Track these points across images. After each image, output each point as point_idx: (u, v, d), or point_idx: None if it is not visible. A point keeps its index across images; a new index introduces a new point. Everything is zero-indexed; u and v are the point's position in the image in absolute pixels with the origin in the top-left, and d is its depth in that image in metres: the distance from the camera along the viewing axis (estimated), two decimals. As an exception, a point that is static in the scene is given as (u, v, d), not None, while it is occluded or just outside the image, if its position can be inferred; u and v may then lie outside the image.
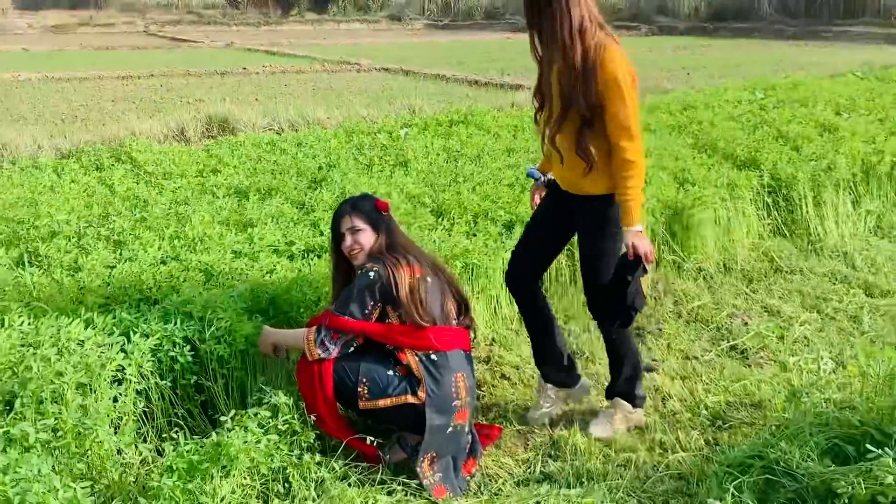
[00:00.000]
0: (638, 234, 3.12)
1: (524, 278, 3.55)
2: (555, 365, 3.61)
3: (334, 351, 3.09)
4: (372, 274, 3.11)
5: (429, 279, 3.17)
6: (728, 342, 4.34)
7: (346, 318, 3.09)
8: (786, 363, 3.98)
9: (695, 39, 30.87)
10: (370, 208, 3.28)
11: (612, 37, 3.14)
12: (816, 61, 19.39)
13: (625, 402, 3.53)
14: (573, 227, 3.45)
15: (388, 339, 3.11)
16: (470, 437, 3.25)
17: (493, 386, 3.92)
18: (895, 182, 6.53)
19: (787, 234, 5.87)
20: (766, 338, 4.37)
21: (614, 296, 3.22)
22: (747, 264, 5.42)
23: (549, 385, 3.64)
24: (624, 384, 3.54)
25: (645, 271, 3.19)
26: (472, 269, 4.23)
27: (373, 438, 3.08)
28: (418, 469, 3.05)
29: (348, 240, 3.23)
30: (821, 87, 10.43)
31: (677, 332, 4.46)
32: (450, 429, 3.08)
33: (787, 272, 5.35)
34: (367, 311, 3.10)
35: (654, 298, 4.88)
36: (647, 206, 5.09)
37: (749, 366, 4.06)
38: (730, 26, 34.82)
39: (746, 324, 4.56)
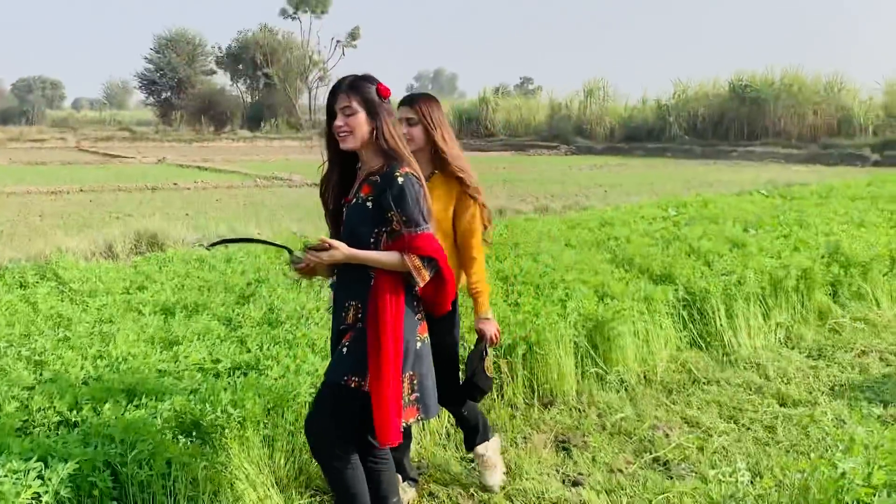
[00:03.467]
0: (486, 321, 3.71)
1: None
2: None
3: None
4: (414, 180, 2.91)
5: None
6: (651, 454, 4.36)
7: (431, 234, 2.95)
8: (705, 475, 4.01)
9: (611, 158, 32.18)
10: (369, 91, 2.95)
11: None
12: (725, 179, 20.34)
13: (486, 443, 3.94)
14: None
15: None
16: None
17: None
18: (801, 295, 6.78)
19: (703, 346, 6.01)
20: (687, 449, 4.41)
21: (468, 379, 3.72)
22: (667, 375, 5.51)
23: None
24: (480, 435, 3.93)
25: (486, 353, 3.72)
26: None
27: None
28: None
29: (339, 119, 2.94)
30: (729, 205, 10.93)
31: (602, 444, 4.47)
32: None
33: (704, 383, 5.45)
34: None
35: (580, 411, 4.91)
36: (570, 319, 5.18)
37: (671, 478, 4.08)
38: (643, 146, 36.50)
39: (668, 435, 4.60)
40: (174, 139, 41.90)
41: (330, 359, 3.17)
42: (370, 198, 2.94)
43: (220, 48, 56.01)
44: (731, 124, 37.00)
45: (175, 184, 17.82)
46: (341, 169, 3.11)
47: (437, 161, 3.51)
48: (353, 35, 55.42)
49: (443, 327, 3.47)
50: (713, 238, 7.84)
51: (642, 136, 38.72)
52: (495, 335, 3.72)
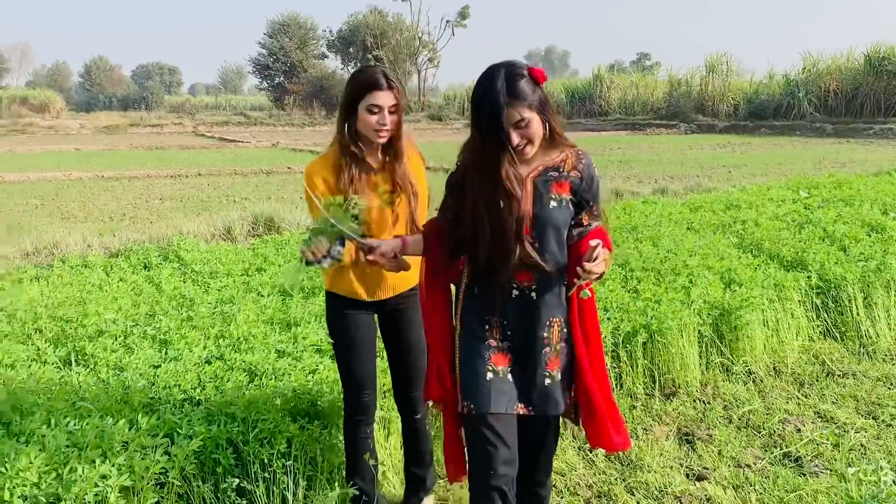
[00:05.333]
0: None
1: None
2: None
3: None
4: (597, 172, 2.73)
5: None
6: (781, 449, 4.21)
7: None
8: (843, 473, 3.85)
9: (734, 137, 31.11)
10: (531, 88, 2.52)
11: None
12: (859, 159, 19.38)
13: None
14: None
15: None
16: None
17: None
18: (948, 283, 6.39)
19: (838, 337, 5.75)
20: (821, 445, 4.23)
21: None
22: (798, 367, 5.31)
23: None
24: (432, 471, 3.60)
25: None
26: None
27: None
28: None
29: (515, 138, 2.51)
30: (866, 186, 10.40)
31: (728, 438, 4.34)
32: None
33: (839, 376, 5.22)
34: None
35: (704, 403, 4.78)
36: (694, 307, 5.05)
37: (804, 475, 3.93)
38: (769, 124, 35.12)
39: (799, 430, 4.43)
40: (287, 123, 43.04)
41: (503, 381, 2.71)
42: (571, 197, 2.66)
43: (330, 31, 57.13)
44: (867, 100, 35.15)
45: (289, 168, 18.31)
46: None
47: (392, 149, 3.16)
48: (463, 14, 55.44)
49: (417, 317, 3.29)
50: (849, 221, 7.49)
51: (768, 114, 37.30)
52: None
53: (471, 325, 2.75)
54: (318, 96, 51.71)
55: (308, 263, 2.74)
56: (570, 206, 2.65)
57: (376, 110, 3.01)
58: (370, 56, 52.49)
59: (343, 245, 2.75)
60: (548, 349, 2.71)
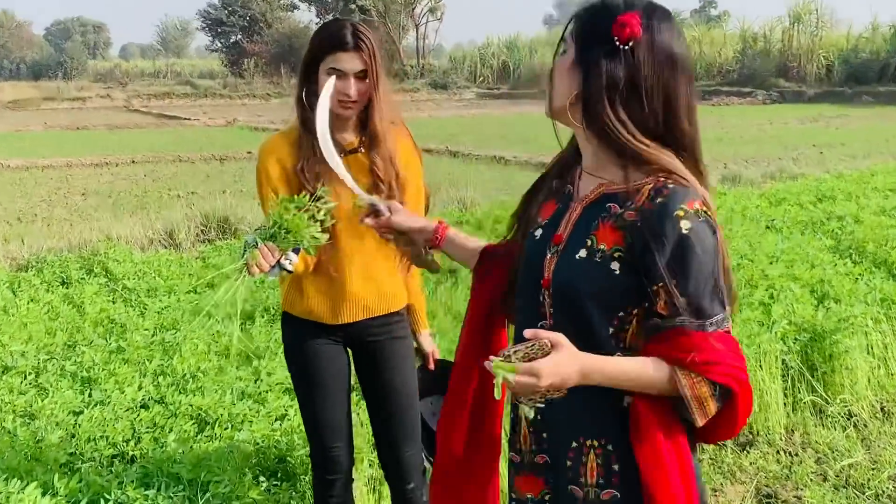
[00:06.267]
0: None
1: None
2: None
3: None
4: (709, 227, 1.86)
5: None
6: (893, 515, 4.20)
7: (728, 334, 1.95)
8: (974, 546, 3.83)
9: (828, 108, 31.08)
10: (596, 22, 1.92)
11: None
12: None
13: None
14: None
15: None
16: None
17: None
18: None
19: (966, 367, 5.75)
20: (945, 509, 4.23)
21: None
22: (913, 408, 5.30)
23: None
24: None
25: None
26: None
27: None
28: None
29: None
30: None
31: (823, 500, 4.33)
32: None
33: (967, 418, 5.22)
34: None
35: (791, 455, 4.77)
36: (776, 330, 5.05)
37: (923, 549, 3.92)
38: (873, 90, 35.03)
39: (916, 490, 4.43)
40: (246, 94, 43.18)
41: None
42: (618, 252, 1.89)
43: (303, -25, 57.32)
44: None
45: (249, 152, 18.35)
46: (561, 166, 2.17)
47: (367, 126, 3.07)
48: (475, -49, 55.51)
49: (402, 351, 3.20)
50: (979, 217, 7.49)
51: (871, 77, 37.30)
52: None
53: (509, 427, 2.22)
54: (287, 59, 51.76)
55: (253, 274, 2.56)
56: (618, 268, 1.89)
57: (339, 76, 2.93)
58: (353, 6, 52.60)
59: (297, 252, 2.64)
60: (576, 491, 2.02)
